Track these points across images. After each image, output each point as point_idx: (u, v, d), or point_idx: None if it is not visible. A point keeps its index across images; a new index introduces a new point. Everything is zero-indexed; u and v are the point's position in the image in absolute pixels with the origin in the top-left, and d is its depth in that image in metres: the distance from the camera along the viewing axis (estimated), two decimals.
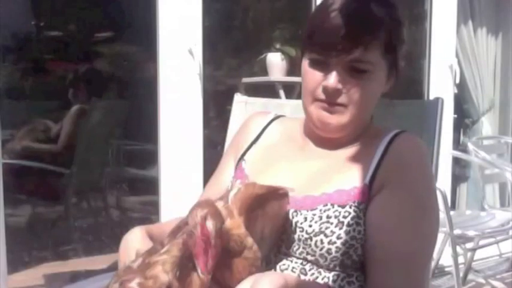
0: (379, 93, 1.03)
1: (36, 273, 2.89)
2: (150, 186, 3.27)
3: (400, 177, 0.96)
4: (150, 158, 3.20)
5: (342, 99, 0.98)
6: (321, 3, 1.01)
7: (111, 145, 4.04)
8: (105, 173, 3.86)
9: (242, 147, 1.15)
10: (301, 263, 0.95)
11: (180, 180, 2.32)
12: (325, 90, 0.98)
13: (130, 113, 3.95)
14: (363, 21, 0.95)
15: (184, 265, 0.72)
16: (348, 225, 0.93)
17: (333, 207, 0.94)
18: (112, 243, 3.53)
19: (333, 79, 0.97)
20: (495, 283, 3.05)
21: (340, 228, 0.92)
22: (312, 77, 1.00)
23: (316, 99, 1.00)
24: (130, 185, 4.45)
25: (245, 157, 1.13)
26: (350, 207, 0.94)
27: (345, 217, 0.93)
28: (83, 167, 3.30)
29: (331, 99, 0.98)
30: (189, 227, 0.73)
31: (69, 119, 3.55)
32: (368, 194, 0.95)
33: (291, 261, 0.95)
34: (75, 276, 2.78)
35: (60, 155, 3.44)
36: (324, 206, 0.95)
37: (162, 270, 0.71)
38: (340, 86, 0.97)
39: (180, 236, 0.75)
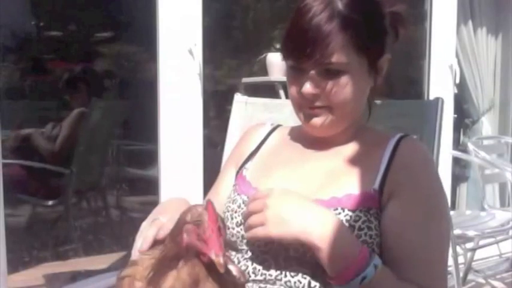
0: (365, 89, 1.02)
1: (36, 273, 2.89)
2: (150, 186, 3.27)
3: (412, 183, 0.97)
4: (150, 158, 3.21)
5: (322, 102, 0.99)
6: (295, 9, 1.00)
7: (111, 145, 4.05)
8: (105, 173, 3.86)
9: (243, 157, 1.15)
10: (311, 268, 0.94)
11: (180, 180, 2.32)
12: (303, 96, 0.99)
13: (131, 113, 3.95)
14: (327, 23, 0.94)
15: (163, 266, 0.74)
16: (359, 229, 0.93)
17: (344, 211, 0.94)
18: (112, 243, 3.54)
19: (308, 85, 0.97)
20: (495, 283, 3.05)
21: (352, 233, 0.92)
22: (292, 84, 1.02)
23: (301, 106, 1.02)
24: (131, 185, 4.45)
25: (246, 165, 1.13)
26: (360, 212, 0.94)
27: (355, 221, 0.93)
28: (83, 167, 3.30)
29: (311, 104, 0.99)
30: (181, 227, 0.73)
31: (69, 122, 3.55)
32: (378, 199, 0.96)
33: (301, 266, 0.94)
34: (75, 276, 2.78)
35: (57, 157, 3.43)
36: (334, 210, 0.95)
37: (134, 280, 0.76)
38: (316, 90, 0.97)
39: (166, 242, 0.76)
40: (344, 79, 0.97)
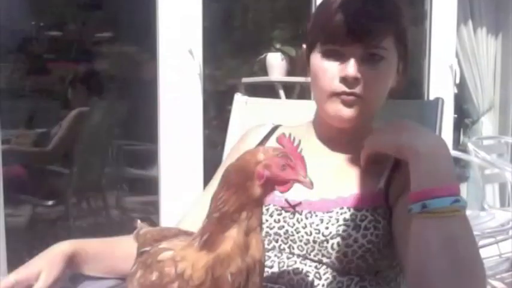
0: (389, 86, 1.02)
1: None
2: (150, 186, 3.27)
3: None
4: (150, 158, 3.20)
5: (359, 89, 0.96)
6: None
7: (111, 145, 4.04)
8: (105, 173, 3.85)
9: None
10: (316, 267, 0.94)
11: (180, 180, 2.32)
12: (344, 80, 0.95)
13: (131, 113, 3.94)
14: (377, 7, 0.95)
15: (221, 225, 0.71)
16: (365, 228, 0.93)
17: (349, 210, 0.94)
18: None
19: (352, 68, 0.94)
20: (495, 283, 3.05)
21: (358, 232, 0.92)
22: (327, 69, 0.97)
23: (333, 94, 0.97)
24: (131, 185, 4.44)
25: None
26: (367, 211, 0.94)
27: (362, 220, 0.93)
28: (83, 167, 3.30)
29: (350, 89, 0.96)
30: (247, 173, 0.72)
31: (68, 123, 3.53)
32: (384, 198, 0.96)
33: (305, 265, 0.95)
34: (75, 276, 2.77)
35: (52, 157, 3.41)
36: (340, 209, 0.95)
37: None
38: (359, 75, 0.95)
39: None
40: (383, 67, 0.97)
